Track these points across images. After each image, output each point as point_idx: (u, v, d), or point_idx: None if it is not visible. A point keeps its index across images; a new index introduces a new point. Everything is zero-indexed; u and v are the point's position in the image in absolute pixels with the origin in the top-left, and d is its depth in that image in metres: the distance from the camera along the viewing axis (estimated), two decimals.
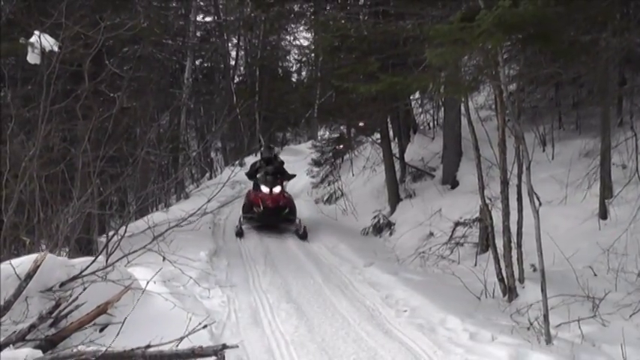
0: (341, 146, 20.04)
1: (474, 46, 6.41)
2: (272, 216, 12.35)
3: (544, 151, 10.94)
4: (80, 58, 8.49)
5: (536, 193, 6.07)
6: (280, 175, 12.93)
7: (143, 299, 5.75)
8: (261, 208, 12.28)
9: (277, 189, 12.54)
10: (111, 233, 7.09)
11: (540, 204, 6.09)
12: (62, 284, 5.12)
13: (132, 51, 13.47)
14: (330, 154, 20.60)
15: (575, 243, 7.97)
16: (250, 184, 13.52)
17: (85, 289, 5.05)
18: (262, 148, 15.52)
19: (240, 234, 12.03)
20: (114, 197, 12.65)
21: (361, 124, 16.06)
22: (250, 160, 22.48)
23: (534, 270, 7.17)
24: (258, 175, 12.98)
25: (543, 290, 5.83)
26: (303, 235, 11.88)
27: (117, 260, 6.23)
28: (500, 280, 7.20)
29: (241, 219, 12.54)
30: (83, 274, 5.31)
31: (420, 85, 8.67)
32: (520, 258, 7.08)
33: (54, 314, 4.66)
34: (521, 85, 9.51)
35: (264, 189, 12.51)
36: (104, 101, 10.21)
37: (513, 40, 7.08)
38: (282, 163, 13.35)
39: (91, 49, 7.99)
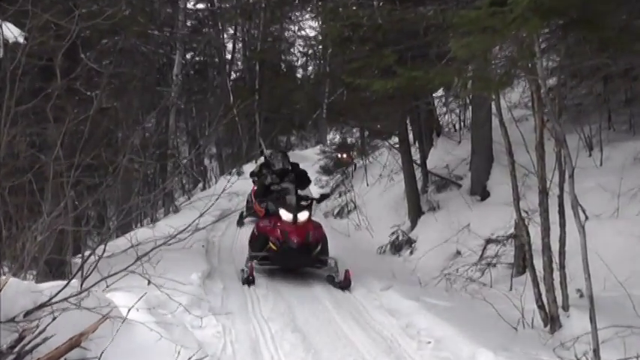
0: (344, 156, 19.94)
1: (506, 35, 6.37)
2: (298, 257, 9.90)
3: (590, 155, 10.81)
4: (51, 51, 8.46)
5: (581, 205, 5.98)
6: (304, 192, 10.75)
7: (124, 329, 5.70)
8: (280, 243, 9.88)
9: (304, 216, 10.12)
10: (87, 253, 7.03)
11: (587, 218, 6.00)
12: (27, 313, 5.04)
13: (112, 43, 13.50)
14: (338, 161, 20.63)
15: (630, 264, 7.84)
16: (246, 188, 13.10)
17: (54, 318, 4.97)
18: (270, 155, 13.67)
19: (249, 281, 9.60)
20: (91, 212, 12.59)
21: (379, 126, 16.05)
22: (250, 169, 22.47)
23: (581, 296, 7.07)
24: (272, 194, 11.07)
25: (592, 320, 5.72)
26: (344, 284, 9.53)
27: (93, 284, 6.17)
28: (541, 307, 7.10)
29: (249, 260, 10.19)
30: (53, 300, 5.23)
31: (444, 81, 8.66)
32: (563, 281, 6.98)
33: (16, 349, 4.59)
34: (562, 79, 9.40)
35: (285, 215, 10.07)
36: (79, 101, 10.21)
37: (552, 26, 7.02)
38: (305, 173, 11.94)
39: (64, 41, 7.93)
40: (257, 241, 10.45)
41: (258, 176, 14.37)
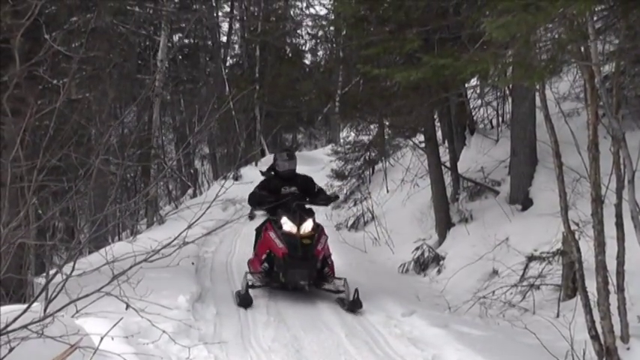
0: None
1: (552, 13, 6.32)
2: (302, 272, 10.10)
3: None
4: (7, 30, 8.43)
5: None
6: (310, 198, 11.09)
7: None
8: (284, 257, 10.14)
9: (308, 225, 10.43)
10: (52, 272, 7.00)
11: None
12: None
13: (83, 21, 13.46)
14: (357, 163, 20.69)
15: None
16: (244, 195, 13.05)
17: (12, 349, 4.95)
18: (276, 158, 12.62)
19: (245, 302, 9.90)
20: (58, 222, 12.60)
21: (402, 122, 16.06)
22: (249, 173, 22.49)
23: None
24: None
25: None
26: (354, 304, 9.71)
27: (60, 309, 6.12)
28: (594, 337, 7.06)
29: (248, 279, 10.43)
30: (10, 328, 5.21)
31: (478, 69, 8.58)
32: (622, 307, 6.93)
33: None
34: (621, 66, 9.34)
35: (287, 226, 10.37)
36: (43, 91, 10.17)
37: (610, 1, 6.96)
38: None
39: (24, 19, 7.92)
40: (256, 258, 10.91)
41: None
